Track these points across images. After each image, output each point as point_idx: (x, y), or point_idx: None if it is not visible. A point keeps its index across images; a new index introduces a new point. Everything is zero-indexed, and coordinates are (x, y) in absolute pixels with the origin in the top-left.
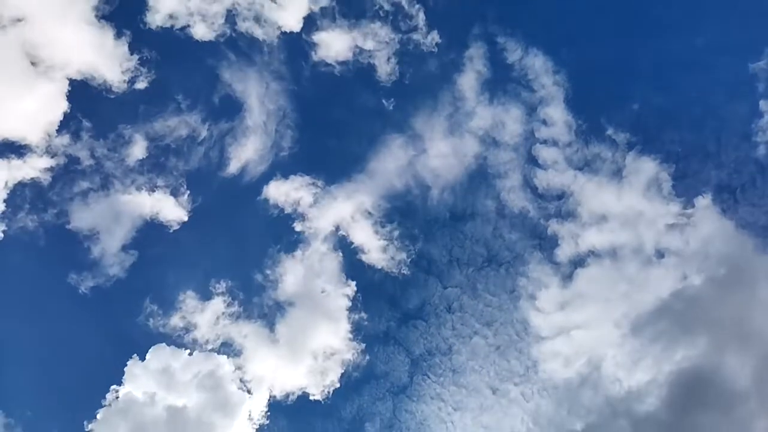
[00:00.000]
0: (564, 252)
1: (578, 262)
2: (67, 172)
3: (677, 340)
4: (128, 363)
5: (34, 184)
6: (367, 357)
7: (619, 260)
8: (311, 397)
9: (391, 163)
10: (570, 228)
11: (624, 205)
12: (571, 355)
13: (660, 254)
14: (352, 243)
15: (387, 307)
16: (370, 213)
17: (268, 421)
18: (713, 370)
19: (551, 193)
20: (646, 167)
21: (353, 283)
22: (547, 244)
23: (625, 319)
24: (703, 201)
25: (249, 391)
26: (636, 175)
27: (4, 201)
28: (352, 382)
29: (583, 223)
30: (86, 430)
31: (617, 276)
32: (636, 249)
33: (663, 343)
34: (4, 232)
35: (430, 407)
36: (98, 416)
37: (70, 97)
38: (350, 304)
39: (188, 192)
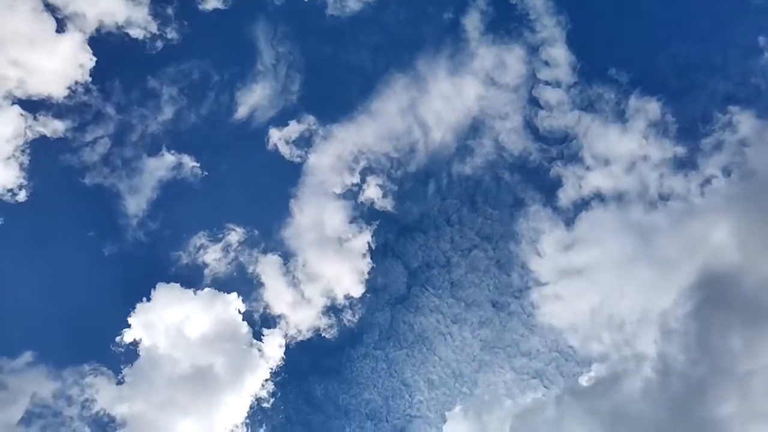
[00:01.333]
0: (566, 195)
1: (581, 205)
2: (87, 123)
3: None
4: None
5: (53, 139)
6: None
7: (624, 204)
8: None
9: (393, 104)
10: (572, 171)
11: (628, 147)
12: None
13: (665, 197)
14: (356, 184)
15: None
16: (373, 152)
17: None
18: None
19: (553, 135)
20: (649, 107)
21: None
22: (548, 187)
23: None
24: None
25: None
26: (639, 116)
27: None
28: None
29: (586, 165)
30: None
31: (621, 220)
32: (640, 192)
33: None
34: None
35: (428, 319)
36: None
37: (93, 48)
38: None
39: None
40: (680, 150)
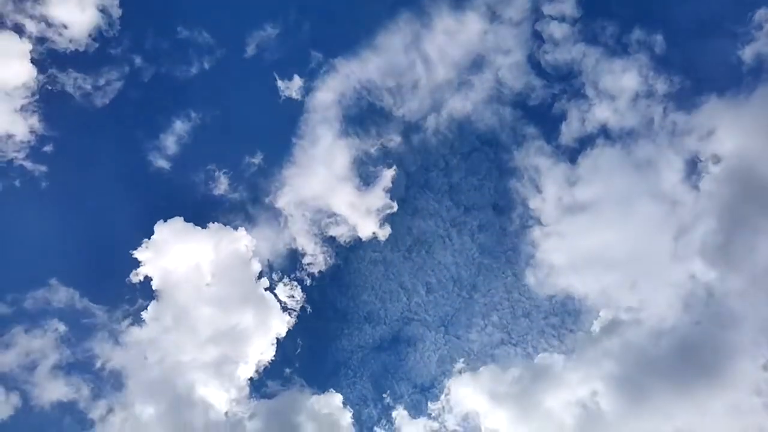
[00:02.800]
0: (569, 131)
1: (585, 141)
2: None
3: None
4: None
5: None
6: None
7: (628, 140)
8: None
9: (397, 39)
10: (575, 106)
11: (632, 81)
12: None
13: (670, 133)
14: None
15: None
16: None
17: None
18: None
19: (556, 71)
20: (653, 41)
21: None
22: (550, 123)
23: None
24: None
25: None
26: (643, 50)
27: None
28: None
29: (590, 101)
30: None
31: (625, 156)
32: (645, 130)
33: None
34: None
35: (427, 223)
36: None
37: None
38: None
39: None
40: (685, 84)
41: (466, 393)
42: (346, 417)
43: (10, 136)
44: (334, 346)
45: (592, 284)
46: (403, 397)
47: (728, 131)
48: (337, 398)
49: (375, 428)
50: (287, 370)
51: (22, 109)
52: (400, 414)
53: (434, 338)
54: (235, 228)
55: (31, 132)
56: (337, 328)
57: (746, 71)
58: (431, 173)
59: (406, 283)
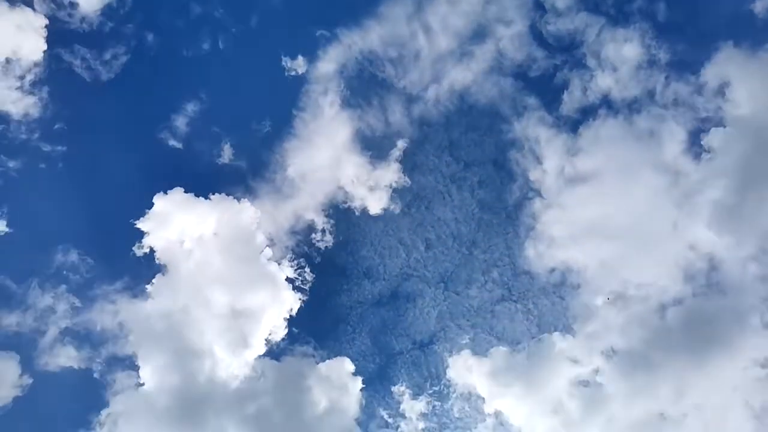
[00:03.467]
0: (571, 101)
1: (585, 113)
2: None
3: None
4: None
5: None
6: None
7: (630, 111)
8: None
9: (399, 9)
10: (577, 76)
11: (634, 51)
12: None
13: (675, 104)
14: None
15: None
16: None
17: None
18: None
19: (558, 41)
20: (655, 8)
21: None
22: (551, 94)
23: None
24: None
25: None
26: (645, 18)
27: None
28: None
29: (591, 71)
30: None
31: (627, 128)
32: (647, 100)
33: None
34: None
35: (426, 178)
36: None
37: None
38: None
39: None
40: (690, 45)
41: (467, 373)
42: (357, 384)
43: (23, 114)
44: (333, 302)
45: (592, 256)
46: (402, 354)
47: (739, 88)
48: (346, 363)
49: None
50: (295, 339)
51: (33, 84)
52: (400, 389)
53: (433, 294)
54: (239, 200)
55: (42, 108)
56: (336, 283)
57: (760, 25)
58: (431, 128)
59: (405, 239)
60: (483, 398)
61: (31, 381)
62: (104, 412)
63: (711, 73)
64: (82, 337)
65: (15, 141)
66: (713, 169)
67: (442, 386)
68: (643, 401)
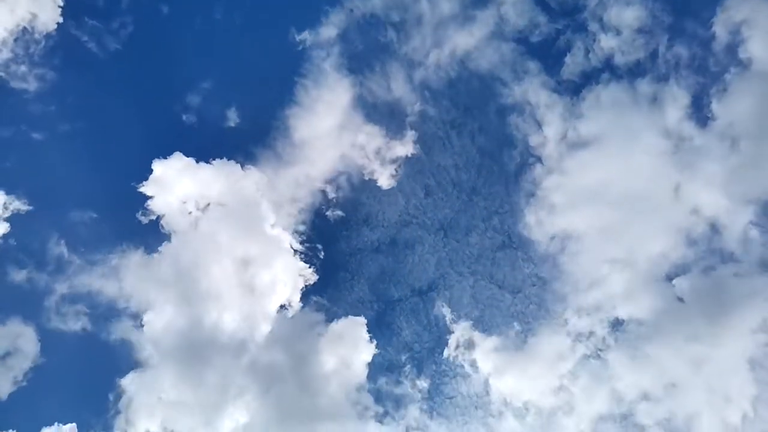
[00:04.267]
0: (573, 65)
1: (587, 77)
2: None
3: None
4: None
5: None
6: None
7: (632, 76)
8: None
9: None
10: (579, 41)
11: (636, 14)
12: None
13: (678, 67)
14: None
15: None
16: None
17: None
18: None
19: (561, 6)
20: None
21: None
22: (552, 59)
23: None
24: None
25: None
26: None
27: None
28: None
29: (593, 37)
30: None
31: (629, 92)
32: (649, 64)
33: None
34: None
35: (426, 124)
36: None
37: None
38: None
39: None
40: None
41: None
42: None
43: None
44: (333, 249)
45: (594, 223)
46: (401, 301)
47: (745, 44)
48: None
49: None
50: (305, 302)
51: (45, 55)
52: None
53: (433, 241)
54: (242, 165)
55: (53, 79)
56: (336, 231)
57: None
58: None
59: (404, 186)
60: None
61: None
62: (117, 379)
63: (719, 26)
64: (90, 301)
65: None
66: (716, 134)
67: (440, 334)
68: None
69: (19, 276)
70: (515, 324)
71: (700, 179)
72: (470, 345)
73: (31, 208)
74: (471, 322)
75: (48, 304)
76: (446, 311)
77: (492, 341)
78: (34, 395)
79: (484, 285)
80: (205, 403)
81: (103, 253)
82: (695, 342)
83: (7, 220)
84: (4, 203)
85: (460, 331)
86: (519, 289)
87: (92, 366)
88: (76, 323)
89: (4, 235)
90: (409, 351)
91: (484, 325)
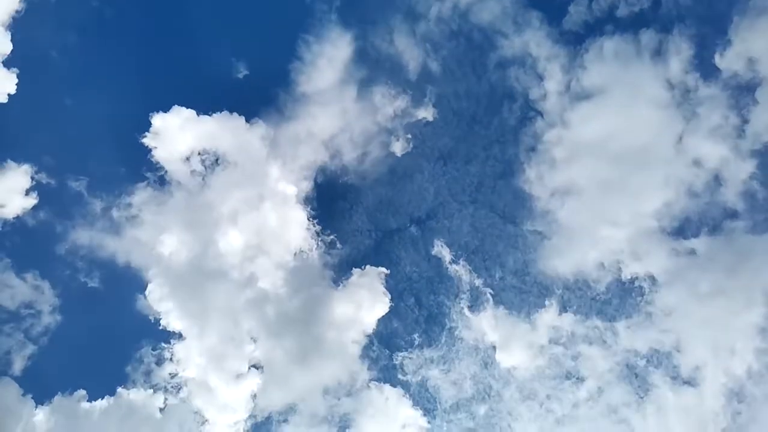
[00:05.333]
0: (575, 16)
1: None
2: None
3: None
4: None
5: None
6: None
7: (636, 26)
8: None
9: None
10: None
11: None
12: None
13: (681, 18)
14: None
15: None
16: None
17: None
18: None
19: None
20: None
21: None
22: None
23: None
24: None
25: None
26: None
27: None
28: None
29: None
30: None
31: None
32: (652, 14)
33: None
34: None
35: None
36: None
37: None
38: None
39: None
40: None
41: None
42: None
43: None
44: (336, 196)
45: (594, 177)
46: (399, 231)
47: None
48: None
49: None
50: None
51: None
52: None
53: (432, 170)
54: (247, 119)
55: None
56: (339, 184)
57: None
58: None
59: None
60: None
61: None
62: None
63: None
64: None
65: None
66: (720, 85)
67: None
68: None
69: None
70: (518, 254)
71: (704, 131)
72: (473, 289)
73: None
74: (469, 256)
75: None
76: (445, 252)
77: (492, 280)
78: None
79: (484, 214)
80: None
81: (108, 202)
82: (699, 296)
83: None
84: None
85: (461, 269)
86: (521, 221)
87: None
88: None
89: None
90: (408, 281)
91: (484, 255)
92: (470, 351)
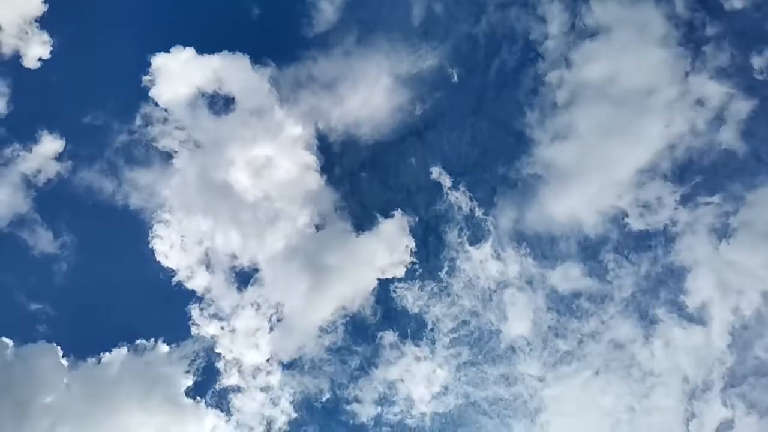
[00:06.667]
0: None
1: None
2: None
3: None
4: None
5: None
6: None
7: None
8: None
9: None
10: None
11: None
12: None
13: None
14: None
15: None
16: None
17: None
18: None
19: None
20: None
21: None
22: None
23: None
24: None
25: None
26: None
27: None
28: None
29: None
30: None
31: None
32: None
33: None
34: None
35: None
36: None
37: None
38: None
39: None
40: None
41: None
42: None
43: None
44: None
45: (596, 120)
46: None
47: None
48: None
49: None
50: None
51: None
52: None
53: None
54: (251, 58)
55: None
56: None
57: None
58: None
59: None
60: None
61: None
62: None
63: None
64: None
65: None
66: (727, 24)
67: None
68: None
69: None
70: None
71: (709, 70)
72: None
73: None
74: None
75: None
76: (445, 177)
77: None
78: None
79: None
80: None
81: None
82: (702, 235)
83: None
84: None
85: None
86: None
87: None
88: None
89: None
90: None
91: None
92: (470, 286)
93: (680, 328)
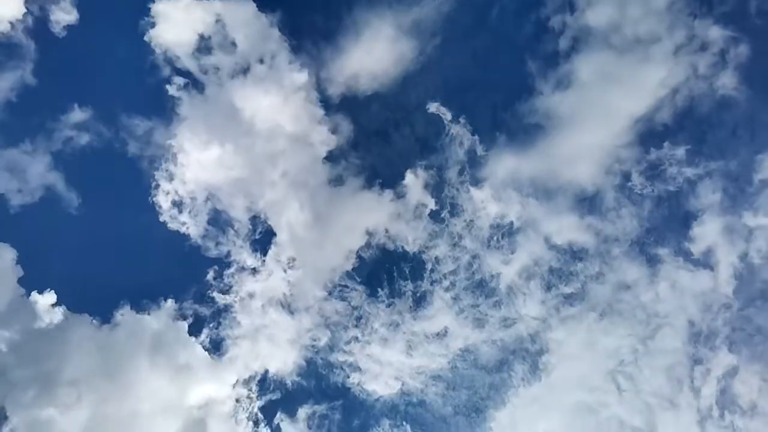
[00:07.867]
0: None
1: None
2: None
3: None
4: None
5: None
6: None
7: None
8: None
9: None
10: None
11: None
12: None
13: None
14: None
15: None
16: None
17: None
18: None
19: None
20: None
21: None
22: None
23: None
24: None
25: None
26: None
27: None
28: None
29: None
30: None
31: None
32: None
33: None
34: None
35: None
36: None
37: None
38: None
39: None
40: None
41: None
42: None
43: None
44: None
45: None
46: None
47: None
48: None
49: None
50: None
51: None
52: None
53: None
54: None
55: None
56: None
57: None
58: None
59: None
60: None
61: None
62: None
63: None
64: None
65: None
66: None
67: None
68: None
69: None
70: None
71: (714, 16)
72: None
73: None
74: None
75: None
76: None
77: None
78: None
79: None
80: None
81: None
82: (703, 180)
83: None
84: None
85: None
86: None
87: None
88: None
89: None
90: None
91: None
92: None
93: (686, 271)
